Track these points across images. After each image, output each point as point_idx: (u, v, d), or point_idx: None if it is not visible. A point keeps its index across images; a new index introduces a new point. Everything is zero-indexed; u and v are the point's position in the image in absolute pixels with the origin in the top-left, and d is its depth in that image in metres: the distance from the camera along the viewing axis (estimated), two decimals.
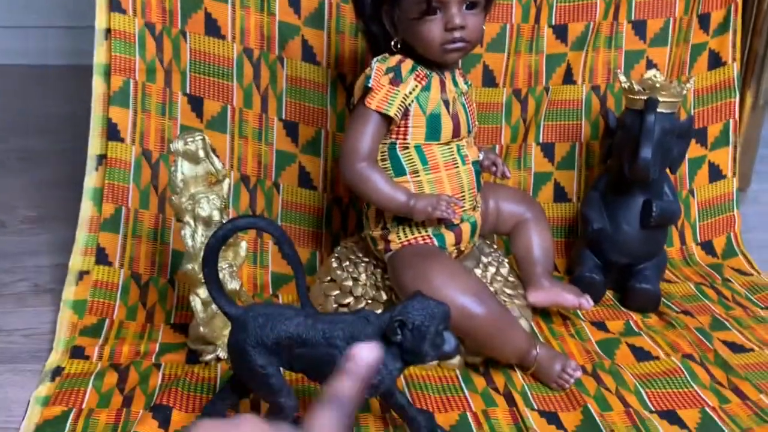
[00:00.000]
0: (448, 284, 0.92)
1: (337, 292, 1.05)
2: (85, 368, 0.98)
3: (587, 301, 1.06)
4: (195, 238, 0.98)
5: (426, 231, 1.01)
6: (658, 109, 1.10)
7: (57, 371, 0.98)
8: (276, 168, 1.24)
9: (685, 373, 1.00)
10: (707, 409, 0.94)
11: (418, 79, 0.98)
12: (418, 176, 1.00)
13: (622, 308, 1.17)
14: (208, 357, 1.00)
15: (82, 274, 1.12)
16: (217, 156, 1.00)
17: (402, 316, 0.76)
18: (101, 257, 1.13)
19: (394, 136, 0.99)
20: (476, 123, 1.07)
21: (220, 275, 0.86)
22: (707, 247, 1.34)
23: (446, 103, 1.00)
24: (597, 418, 0.91)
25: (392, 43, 0.98)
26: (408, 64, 0.98)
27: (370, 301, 1.03)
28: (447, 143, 1.00)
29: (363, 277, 1.05)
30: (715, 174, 1.35)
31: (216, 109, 1.20)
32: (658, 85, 1.12)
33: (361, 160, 0.97)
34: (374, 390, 0.79)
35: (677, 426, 0.91)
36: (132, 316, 1.11)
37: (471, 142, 1.05)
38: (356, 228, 1.24)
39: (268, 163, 1.23)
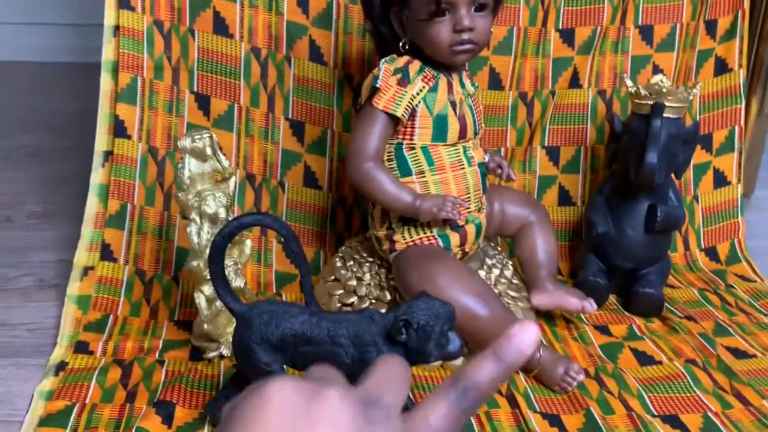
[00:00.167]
0: (452, 285, 0.92)
1: (341, 291, 1.05)
2: (88, 363, 0.99)
3: (591, 305, 1.06)
4: (200, 235, 0.98)
5: (431, 232, 1.01)
6: (665, 114, 1.10)
7: (61, 366, 0.98)
8: (281, 167, 1.24)
9: (688, 378, 1.00)
10: (710, 414, 0.94)
11: (426, 80, 0.98)
12: (424, 177, 1.00)
13: (626, 312, 1.17)
14: (212, 354, 1.01)
15: (86, 270, 1.13)
16: (224, 154, 1.00)
17: (407, 315, 0.76)
18: (106, 253, 1.14)
19: (400, 136, 1.00)
20: (483, 125, 1.07)
21: (225, 272, 0.86)
22: (711, 253, 1.34)
23: (453, 104, 1.00)
24: (599, 421, 0.91)
25: (400, 44, 0.99)
26: (416, 65, 0.98)
27: (373, 301, 1.03)
28: (453, 144, 1.01)
29: (367, 276, 1.06)
30: (720, 180, 1.35)
31: (223, 107, 1.21)
32: (664, 90, 1.12)
33: (368, 160, 0.98)
34: None
35: (680, 430, 0.91)
36: (136, 312, 1.11)
37: (477, 144, 1.05)
38: (360, 228, 1.25)
39: (273, 162, 1.24)
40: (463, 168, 1.01)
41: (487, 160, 1.07)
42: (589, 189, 1.31)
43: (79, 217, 1.16)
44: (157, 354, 1.02)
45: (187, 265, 0.99)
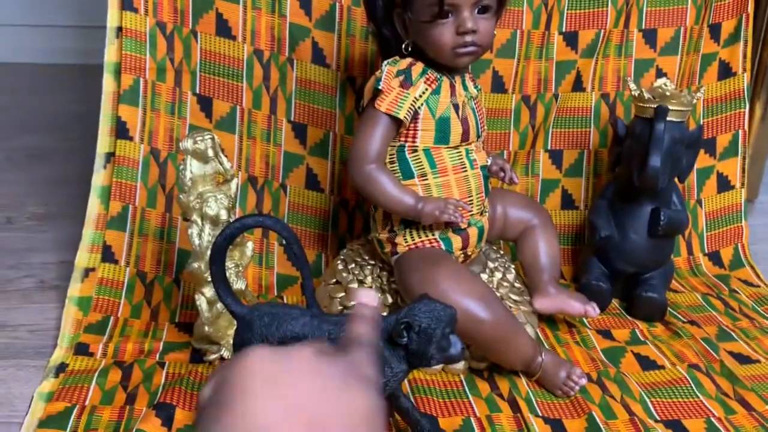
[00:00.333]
0: (454, 288, 0.92)
1: (343, 294, 1.05)
2: (89, 365, 0.98)
3: (593, 309, 1.06)
4: (202, 237, 0.98)
5: (433, 234, 1.01)
6: (668, 118, 1.10)
7: (61, 367, 0.98)
8: (283, 169, 1.24)
9: (691, 383, 0.99)
10: (713, 419, 0.93)
11: (428, 82, 0.98)
12: (426, 179, 1.00)
13: (628, 317, 1.17)
14: (212, 356, 1.00)
15: (87, 272, 1.12)
16: (226, 156, 1.00)
17: (408, 318, 0.75)
18: (107, 255, 1.13)
19: (403, 138, 0.99)
20: (485, 128, 1.07)
21: (227, 274, 0.86)
22: (714, 257, 1.33)
23: (456, 107, 0.99)
24: (602, 426, 0.90)
25: (403, 46, 0.99)
26: (418, 67, 0.98)
27: None
28: (456, 147, 1.00)
29: (369, 279, 1.05)
30: (724, 184, 1.34)
31: (225, 109, 1.20)
32: (668, 93, 1.12)
33: (370, 162, 0.97)
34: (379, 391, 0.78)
35: None
36: (137, 314, 1.11)
37: (480, 147, 1.05)
38: (362, 231, 1.24)
39: (275, 165, 1.23)
40: (466, 171, 1.01)
41: (489, 163, 1.06)
42: (592, 193, 1.31)
43: (80, 219, 1.15)
44: (157, 356, 1.01)
45: (188, 267, 0.99)
